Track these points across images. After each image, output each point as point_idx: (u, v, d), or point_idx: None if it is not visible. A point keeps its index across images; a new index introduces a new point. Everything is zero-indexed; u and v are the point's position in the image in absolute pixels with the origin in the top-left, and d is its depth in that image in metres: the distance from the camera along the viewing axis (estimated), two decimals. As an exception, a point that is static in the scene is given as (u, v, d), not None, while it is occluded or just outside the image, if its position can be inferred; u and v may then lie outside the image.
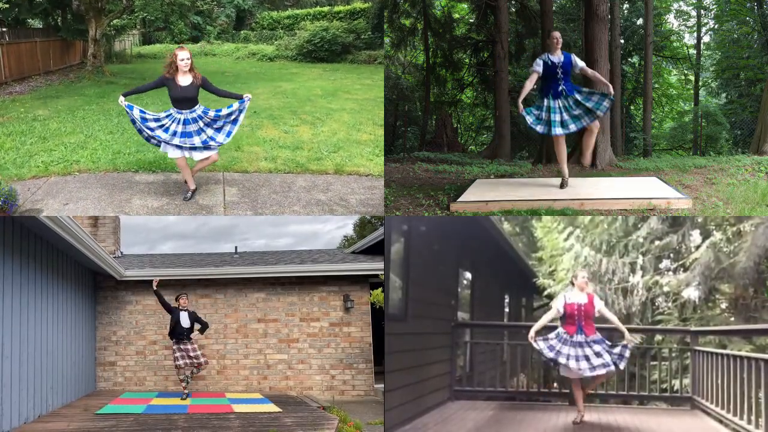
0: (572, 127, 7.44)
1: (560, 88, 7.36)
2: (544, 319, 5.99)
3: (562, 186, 7.93)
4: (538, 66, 7.35)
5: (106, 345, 9.90)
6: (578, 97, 7.37)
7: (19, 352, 6.16)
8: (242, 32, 28.12)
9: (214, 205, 6.82)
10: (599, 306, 5.85)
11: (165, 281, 9.92)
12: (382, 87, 16.02)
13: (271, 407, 7.57)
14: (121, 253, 11.55)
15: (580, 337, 5.74)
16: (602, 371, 5.64)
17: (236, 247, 12.56)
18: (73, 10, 16.71)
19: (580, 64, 7.40)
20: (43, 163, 7.93)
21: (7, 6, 13.16)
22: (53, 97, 12.95)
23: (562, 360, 5.70)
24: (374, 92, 14.79)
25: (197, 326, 8.48)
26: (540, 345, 5.84)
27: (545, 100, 7.45)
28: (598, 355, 5.67)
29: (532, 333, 5.88)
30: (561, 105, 7.40)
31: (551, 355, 5.76)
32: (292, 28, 27.06)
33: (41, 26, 18.27)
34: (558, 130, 7.41)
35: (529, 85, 7.43)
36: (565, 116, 7.39)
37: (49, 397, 7.10)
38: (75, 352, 8.51)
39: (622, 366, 5.69)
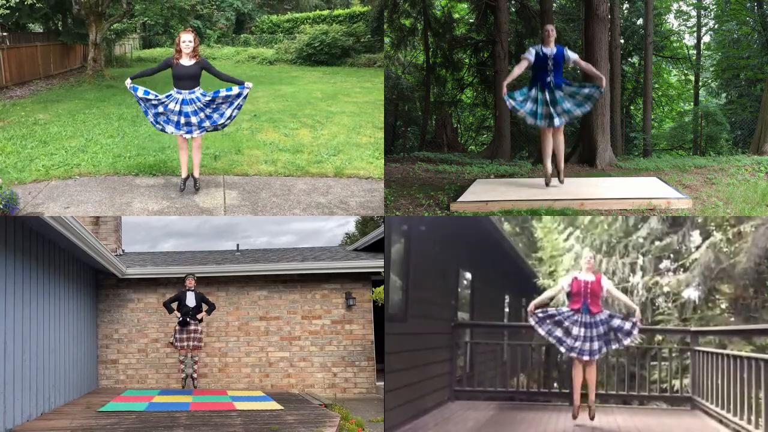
0: (556, 122, 7.47)
1: (548, 79, 7.40)
2: (546, 294, 6.05)
3: (548, 184, 7.94)
4: (530, 54, 7.39)
5: (108, 343, 9.93)
6: (567, 89, 7.43)
7: (21, 351, 6.18)
8: (242, 36, 28.13)
9: (215, 207, 6.84)
10: (607, 285, 5.84)
11: (166, 279, 9.97)
12: (382, 90, 16.04)
13: (273, 405, 7.59)
14: (123, 251, 11.58)
15: (585, 317, 5.76)
16: (597, 356, 5.73)
17: (238, 245, 12.62)
18: (74, 15, 16.74)
19: (573, 56, 7.42)
20: (44, 166, 7.94)
21: (8, 11, 13.18)
22: (54, 101, 12.96)
23: (558, 333, 5.79)
24: (374, 95, 14.81)
25: (204, 307, 8.54)
26: (539, 315, 5.88)
27: (533, 90, 7.49)
28: (602, 337, 5.73)
29: (531, 306, 5.92)
30: (548, 98, 7.43)
31: (547, 328, 5.83)
32: (291, 31, 27.07)
33: (42, 30, 18.31)
34: (540, 122, 7.49)
35: (518, 71, 7.44)
36: (550, 110, 7.43)
37: (52, 395, 7.13)
38: (77, 350, 8.53)
39: (626, 342, 5.74)
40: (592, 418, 5.86)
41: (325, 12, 27.32)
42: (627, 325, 5.73)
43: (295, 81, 17.82)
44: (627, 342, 5.75)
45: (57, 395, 7.35)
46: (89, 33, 16.15)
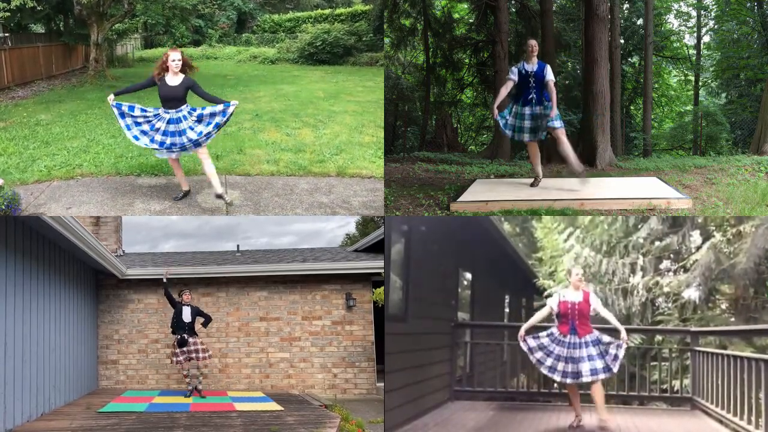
0: (525, 137, 7.75)
1: (530, 96, 7.63)
2: (536, 318, 5.89)
3: (533, 184, 8.15)
4: (513, 74, 7.62)
5: (108, 343, 9.93)
6: (544, 108, 7.61)
7: (21, 351, 6.19)
8: (244, 35, 28.13)
9: (217, 207, 6.85)
10: (595, 304, 5.67)
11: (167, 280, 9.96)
12: (384, 89, 16.06)
13: (273, 406, 7.60)
14: (123, 251, 11.58)
15: (573, 338, 5.59)
16: (589, 379, 5.52)
17: (238, 246, 12.62)
18: (75, 15, 16.77)
19: (548, 77, 7.59)
20: (46, 167, 7.94)
21: (8, 14, 13.21)
22: (56, 101, 12.97)
23: (549, 362, 5.61)
24: (376, 94, 14.82)
25: (200, 320, 8.42)
26: (530, 343, 5.72)
27: (515, 107, 7.75)
28: (590, 358, 5.53)
29: (521, 332, 5.77)
30: (529, 113, 7.68)
31: (539, 355, 5.66)
32: (293, 30, 27.09)
33: (43, 31, 18.34)
34: (525, 137, 7.75)
35: (504, 91, 7.66)
36: (533, 124, 7.69)
37: (52, 396, 7.13)
38: (77, 350, 8.54)
39: (615, 369, 5.55)
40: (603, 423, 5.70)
41: (327, 11, 27.31)
42: (612, 350, 5.57)
43: (297, 80, 17.83)
44: (615, 369, 5.57)
45: (57, 396, 7.36)
46: (91, 33, 16.18)
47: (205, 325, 8.55)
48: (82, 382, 8.71)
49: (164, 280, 8.57)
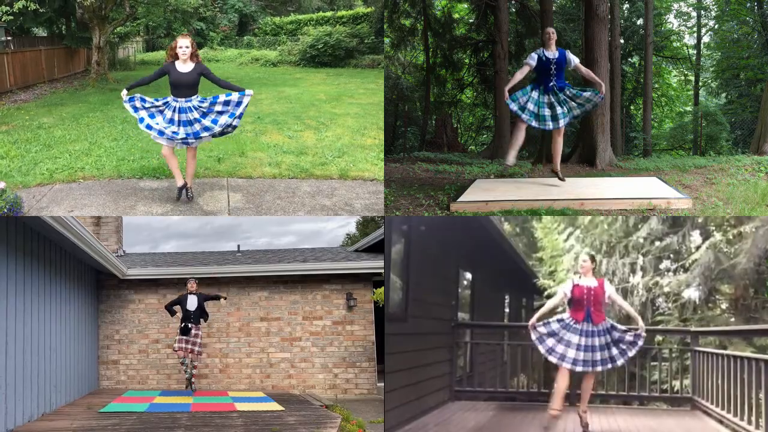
0: (560, 123, 7.54)
1: (551, 83, 7.48)
2: (548, 305, 5.67)
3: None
4: (532, 60, 7.44)
5: (109, 343, 9.94)
6: (568, 92, 7.49)
7: (22, 351, 6.20)
8: (245, 38, 28.14)
9: (219, 210, 6.84)
10: (610, 291, 5.51)
11: (167, 280, 9.98)
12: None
13: (274, 406, 7.60)
14: (124, 251, 11.60)
15: (587, 325, 5.42)
16: (600, 368, 5.39)
17: (239, 246, 12.62)
18: (77, 19, 16.79)
19: (575, 61, 7.50)
20: (48, 170, 7.93)
21: (11, 17, 13.24)
22: (58, 104, 12.98)
23: (560, 349, 5.40)
24: (378, 96, 14.81)
25: (210, 301, 8.70)
26: (540, 330, 5.51)
27: (534, 93, 7.53)
28: (604, 348, 5.38)
29: (533, 320, 5.55)
30: (548, 101, 7.51)
31: (550, 343, 5.47)
32: (295, 33, 27.06)
33: (46, 34, 18.36)
34: (549, 125, 7.53)
35: (519, 76, 7.47)
36: (552, 112, 7.51)
37: (53, 396, 7.14)
38: (78, 350, 8.55)
39: (631, 354, 5.40)
40: (585, 427, 5.60)
41: (329, 13, 27.32)
42: (629, 337, 5.43)
43: (299, 83, 17.82)
44: (632, 353, 5.41)
45: (58, 396, 7.37)
46: (93, 37, 16.22)
47: (205, 318, 8.66)
48: (82, 382, 8.72)
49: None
